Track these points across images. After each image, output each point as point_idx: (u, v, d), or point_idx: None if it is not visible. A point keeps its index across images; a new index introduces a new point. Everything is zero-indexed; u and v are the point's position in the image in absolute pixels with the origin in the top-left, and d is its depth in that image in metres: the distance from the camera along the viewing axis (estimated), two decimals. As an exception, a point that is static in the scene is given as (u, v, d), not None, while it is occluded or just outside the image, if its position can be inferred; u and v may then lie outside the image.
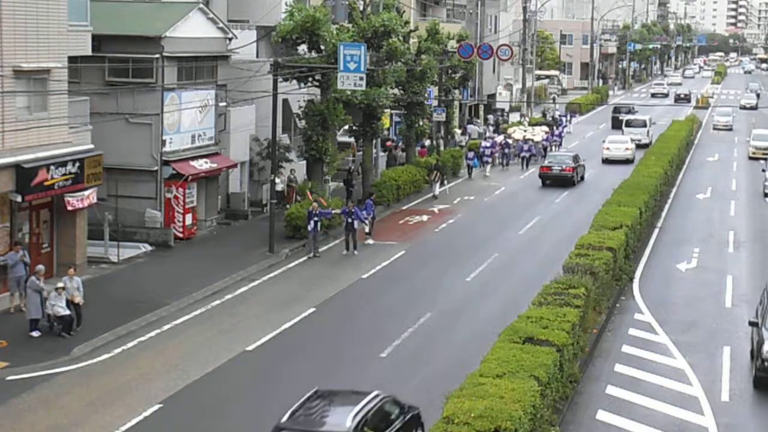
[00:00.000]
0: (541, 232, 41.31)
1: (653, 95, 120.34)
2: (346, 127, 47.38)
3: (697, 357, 25.53)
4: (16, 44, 28.50)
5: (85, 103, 33.06)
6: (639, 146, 65.80)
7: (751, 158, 63.21)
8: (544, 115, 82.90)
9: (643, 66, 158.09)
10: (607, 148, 63.29)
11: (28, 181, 28.75)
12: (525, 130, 65.49)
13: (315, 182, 41.41)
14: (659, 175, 45.99)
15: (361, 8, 45.73)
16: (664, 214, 45.18)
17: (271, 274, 33.72)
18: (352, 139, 50.82)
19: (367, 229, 38.72)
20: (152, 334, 26.99)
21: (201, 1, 38.87)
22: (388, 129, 57.80)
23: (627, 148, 63.02)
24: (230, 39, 39.95)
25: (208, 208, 39.84)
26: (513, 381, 18.71)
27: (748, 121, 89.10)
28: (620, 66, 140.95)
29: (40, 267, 27.63)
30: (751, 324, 24.35)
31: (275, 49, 43.20)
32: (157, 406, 21.87)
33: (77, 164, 30.70)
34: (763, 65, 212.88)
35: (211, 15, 38.88)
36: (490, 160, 58.32)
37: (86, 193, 31.35)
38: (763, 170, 51.00)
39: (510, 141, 61.98)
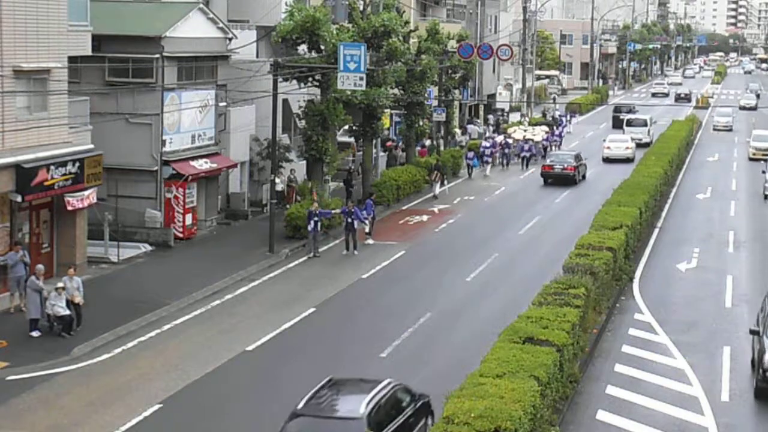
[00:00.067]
0: (541, 232, 41.31)
1: (654, 95, 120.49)
2: (346, 127, 47.38)
3: (697, 357, 25.53)
4: (16, 44, 28.50)
5: (85, 103, 33.06)
6: (640, 145, 66.09)
7: (751, 159, 63.15)
8: (544, 115, 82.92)
9: (643, 66, 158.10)
10: (608, 147, 63.57)
11: (28, 181, 28.75)
12: (525, 130, 65.52)
13: (315, 182, 41.41)
14: (659, 175, 45.99)
15: (361, 8, 45.73)
16: (664, 214, 45.18)
17: (271, 274, 33.72)
18: (352, 139, 50.82)
19: (367, 229, 38.72)
20: (152, 334, 26.99)
21: (201, 1, 38.87)
22: (388, 129, 57.80)
23: (627, 147, 63.32)
24: (230, 39, 39.95)
25: (208, 208, 39.85)
26: (513, 381, 18.71)
27: (748, 122, 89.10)
28: (620, 66, 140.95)
29: (40, 267, 27.63)
30: (752, 332, 23.86)
31: (275, 49, 43.20)
32: (157, 406, 21.87)
33: (77, 164, 30.70)
34: (763, 65, 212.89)
35: (211, 15, 38.88)
36: (490, 160, 58.35)
37: (86, 193, 31.35)
38: (764, 171, 50.97)
39: (510, 141, 61.99)
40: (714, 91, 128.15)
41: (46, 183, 29.47)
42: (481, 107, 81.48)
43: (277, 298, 30.95)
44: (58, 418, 21.19)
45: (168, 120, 36.74)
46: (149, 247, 35.77)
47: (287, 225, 38.22)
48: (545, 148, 63.53)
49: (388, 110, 51.22)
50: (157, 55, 36.02)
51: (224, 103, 40.65)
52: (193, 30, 37.66)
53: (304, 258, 36.04)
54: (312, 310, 29.46)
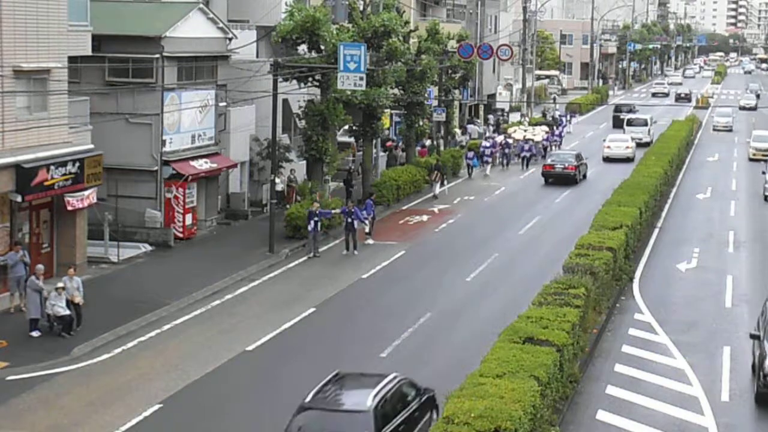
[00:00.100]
0: (541, 232, 41.31)
1: (654, 94, 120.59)
2: (346, 127, 47.38)
3: (697, 357, 25.53)
4: (16, 44, 28.50)
5: (85, 103, 33.06)
6: (640, 145, 66.31)
7: (751, 160, 63.10)
8: (544, 115, 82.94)
9: (643, 66, 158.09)
10: (608, 147, 63.83)
11: (28, 181, 28.75)
12: (525, 130, 65.56)
13: (315, 182, 41.42)
14: (659, 175, 45.99)
15: (361, 8, 45.73)
16: (664, 214, 45.18)
17: (271, 274, 33.72)
18: (352, 139, 50.83)
19: (367, 229, 38.72)
20: (152, 334, 26.99)
21: (201, 1, 38.87)
22: (388, 129, 57.79)
23: (627, 147, 63.58)
24: (230, 39, 39.95)
25: (208, 208, 39.85)
26: (513, 381, 18.71)
27: (748, 122, 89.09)
28: (620, 66, 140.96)
29: (40, 267, 27.63)
30: (753, 337, 23.65)
31: (275, 49, 43.20)
32: (157, 406, 21.87)
33: (77, 164, 30.71)
34: (763, 65, 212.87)
35: (211, 15, 38.88)
36: (490, 160, 58.37)
37: (86, 193, 31.35)
38: (764, 172, 50.95)
39: (510, 141, 62.02)
40: (714, 91, 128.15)
41: (46, 183, 29.47)
42: (481, 107, 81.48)
43: (277, 298, 30.95)
44: (58, 418, 21.19)
45: (168, 120, 36.74)
46: (149, 247, 35.77)
47: (287, 225, 38.23)
48: (545, 148, 63.59)
49: (388, 110, 51.21)
50: (157, 55, 36.02)
51: (224, 103, 40.65)
52: (193, 30, 37.66)
53: (304, 258, 36.04)
54: (312, 310, 29.46)
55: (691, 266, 35.54)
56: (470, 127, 71.78)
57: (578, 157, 55.54)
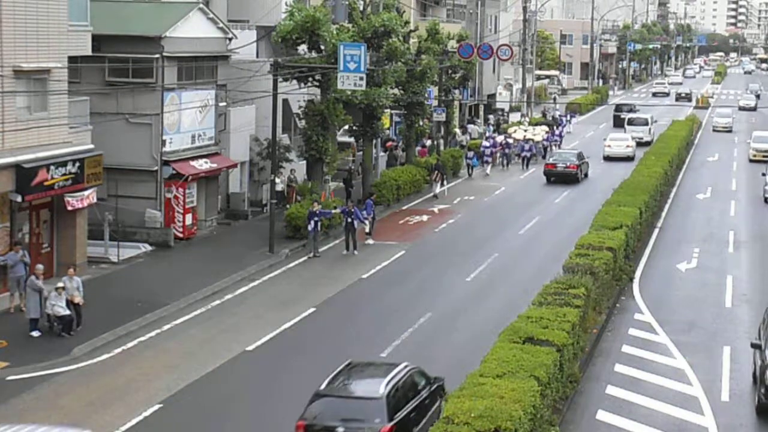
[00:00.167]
0: (541, 232, 41.31)
1: (654, 94, 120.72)
2: (346, 127, 47.38)
3: (697, 357, 25.53)
4: (16, 44, 28.51)
5: (85, 103, 33.07)
6: (641, 144, 66.59)
7: (751, 161, 63.02)
8: (544, 115, 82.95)
9: (643, 66, 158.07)
10: (608, 146, 64.30)
11: (28, 181, 28.76)
12: (525, 130, 65.60)
13: (315, 182, 41.43)
14: (659, 175, 45.99)
15: (361, 8, 45.73)
16: (664, 214, 45.18)
17: (271, 274, 33.72)
18: (352, 139, 50.84)
19: (367, 229, 38.73)
20: (152, 334, 26.99)
21: (201, 1, 38.87)
22: (388, 129, 57.79)
23: (628, 146, 64.09)
24: (230, 39, 39.95)
25: (208, 208, 39.85)
26: (513, 381, 18.71)
27: (748, 122, 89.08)
28: (620, 66, 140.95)
29: (40, 267, 27.63)
30: (753, 346, 23.17)
31: (275, 49, 43.20)
32: (157, 406, 21.87)
33: (77, 164, 30.71)
34: (763, 65, 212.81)
35: (211, 15, 38.88)
36: (490, 159, 58.38)
37: (86, 193, 31.35)
38: (764, 174, 50.92)
39: (511, 141, 62.04)
40: (714, 91, 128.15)
41: (46, 183, 29.47)
42: (481, 107, 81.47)
43: (277, 298, 30.95)
44: (58, 418, 21.16)
45: (168, 120, 36.74)
46: (149, 247, 35.77)
47: (287, 225, 38.23)
48: (545, 148, 63.66)
49: (388, 110, 51.21)
50: (157, 55, 36.02)
51: (224, 103, 40.64)
52: (193, 30, 37.66)
53: (304, 258, 36.04)
54: (312, 310, 29.46)
55: (691, 266, 35.54)
56: (470, 126, 71.78)
57: (580, 156, 56.00)
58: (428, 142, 58.10)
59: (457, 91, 63.90)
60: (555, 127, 70.17)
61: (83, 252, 32.18)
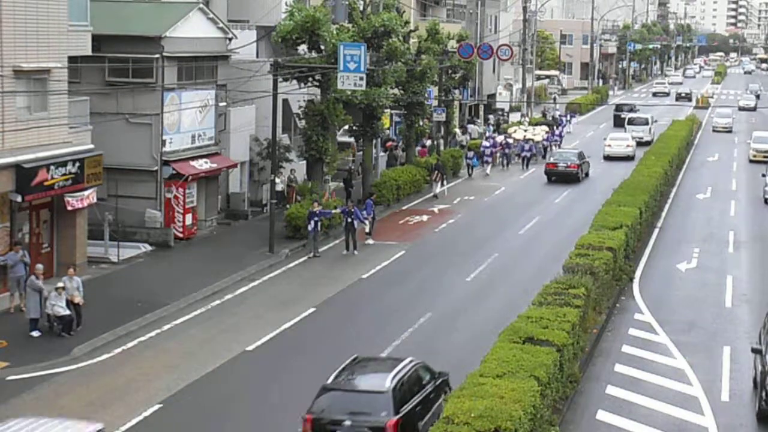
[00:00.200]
0: (541, 232, 41.31)
1: (654, 94, 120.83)
2: (346, 127, 47.38)
3: (697, 357, 25.52)
4: (16, 44, 28.51)
5: (85, 103, 33.07)
6: (641, 143, 66.76)
7: (752, 161, 63.00)
8: (544, 115, 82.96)
9: (643, 66, 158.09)
10: (609, 145, 64.63)
11: (28, 181, 28.76)
12: (525, 130, 65.63)
13: (315, 182, 41.42)
14: (659, 175, 46.00)
15: (361, 8, 45.73)
16: (664, 214, 45.18)
17: (271, 274, 33.73)
18: (352, 139, 50.84)
19: (367, 229, 38.73)
20: (152, 334, 27.00)
21: (201, 1, 38.87)
22: (388, 129, 57.80)
23: (628, 145, 64.42)
24: (230, 39, 39.95)
25: (208, 208, 39.85)
26: (513, 381, 18.71)
27: (748, 122, 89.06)
28: (620, 66, 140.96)
29: (40, 267, 27.63)
30: (754, 351, 22.85)
31: (275, 49, 43.20)
32: (157, 406, 21.88)
33: (77, 164, 30.71)
34: (763, 65, 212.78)
35: (211, 15, 38.88)
36: (490, 159, 58.39)
37: (86, 193, 31.36)
38: (764, 175, 50.92)
39: (511, 141, 62.06)
40: (714, 91, 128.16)
41: (46, 183, 29.48)
42: (481, 107, 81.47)
43: (277, 298, 30.95)
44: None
45: (168, 120, 36.74)
46: (149, 247, 35.78)
47: (287, 225, 38.23)
48: (545, 148, 63.71)
49: (388, 110, 51.20)
50: (157, 55, 36.02)
51: (224, 103, 40.65)
52: (193, 30, 37.66)
53: (304, 258, 36.04)
54: (312, 310, 29.47)
55: (691, 266, 35.54)
56: (470, 126, 71.79)
57: (581, 155, 56.33)
58: (428, 142, 58.09)
59: (457, 91, 63.92)
60: (555, 127, 70.21)
61: (83, 252, 32.18)
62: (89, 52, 33.65)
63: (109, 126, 34.75)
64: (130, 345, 26.04)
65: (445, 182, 50.45)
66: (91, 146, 32.24)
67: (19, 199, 28.79)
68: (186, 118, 37.77)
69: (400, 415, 18.24)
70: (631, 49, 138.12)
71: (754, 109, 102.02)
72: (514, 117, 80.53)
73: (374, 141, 47.86)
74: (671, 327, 28.03)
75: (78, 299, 26.81)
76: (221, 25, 39.41)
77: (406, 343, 26.28)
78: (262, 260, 34.99)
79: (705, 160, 64.85)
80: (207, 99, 38.87)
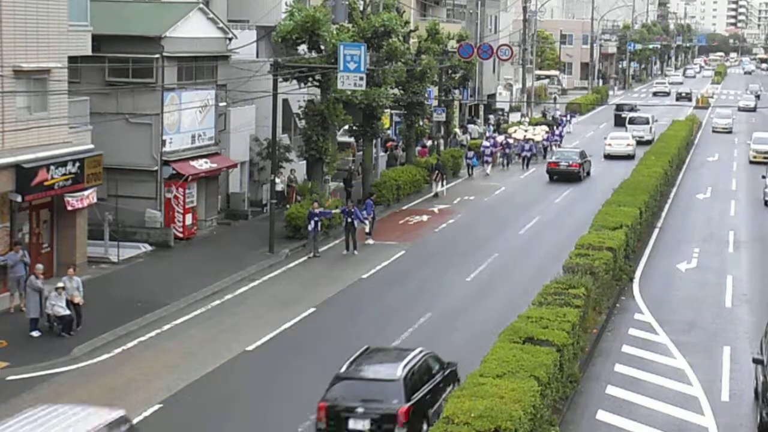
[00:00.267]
0: (542, 231, 41.31)
1: (655, 94, 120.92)
2: (346, 127, 47.38)
3: (697, 357, 25.52)
4: (16, 44, 28.51)
5: (85, 103, 33.07)
6: (642, 143, 66.98)
7: (752, 162, 62.95)
8: (544, 115, 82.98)
9: (643, 66, 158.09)
10: (609, 144, 64.97)
11: (28, 181, 28.76)
12: (526, 130, 65.66)
13: (315, 182, 41.42)
14: (659, 175, 45.99)
15: (361, 8, 45.73)
16: (664, 214, 45.17)
17: (271, 274, 33.73)
18: (352, 139, 50.84)
19: (367, 229, 38.73)
20: (152, 334, 27.00)
21: (201, 1, 38.87)
22: (388, 129, 57.80)
23: (628, 144, 64.80)
24: (230, 39, 39.95)
25: (208, 208, 39.85)
26: (513, 381, 18.71)
27: (747, 122, 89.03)
28: (620, 66, 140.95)
29: (40, 267, 27.63)
30: (755, 361, 22.50)
31: (275, 49, 43.20)
32: (157, 406, 21.88)
33: (77, 164, 30.71)
34: (764, 65, 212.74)
35: (211, 15, 38.89)
36: (490, 159, 58.39)
37: (86, 193, 31.36)
38: (764, 177, 50.91)
39: (511, 141, 62.08)
40: (714, 91, 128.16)
41: (46, 183, 29.47)
42: (481, 107, 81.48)
43: (277, 298, 30.95)
44: (58, 418, 21.15)
45: (168, 120, 36.74)
46: (149, 247, 35.77)
47: (287, 225, 38.23)
48: (545, 148, 63.77)
49: (388, 110, 51.19)
50: (157, 55, 36.02)
51: (224, 103, 40.65)
52: (193, 30, 37.66)
53: (304, 258, 36.04)
54: (312, 310, 29.47)
55: (691, 266, 35.54)
56: (471, 126, 71.79)
57: (582, 154, 56.55)
58: (428, 142, 58.09)
59: (457, 91, 63.92)
60: (555, 127, 70.27)
61: (83, 252, 32.18)
62: (89, 52, 33.65)
63: (109, 126, 34.76)
64: (130, 345, 26.04)
65: (444, 182, 50.44)
66: (91, 146, 32.25)
67: (19, 199, 28.79)
68: (186, 118, 37.77)
69: (411, 402, 18.85)
70: (631, 49, 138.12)
71: (754, 109, 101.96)
72: (514, 117, 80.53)
73: (374, 141, 47.86)
74: (671, 327, 28.03)
75: (78, 299, 26.81)
76: (221, 25, 39.41)
77: (406, 343, 26.22)
78: (262, 260, 34.99)
79: (705, 160, 64.85)
80: (207, 99, 38.87)
